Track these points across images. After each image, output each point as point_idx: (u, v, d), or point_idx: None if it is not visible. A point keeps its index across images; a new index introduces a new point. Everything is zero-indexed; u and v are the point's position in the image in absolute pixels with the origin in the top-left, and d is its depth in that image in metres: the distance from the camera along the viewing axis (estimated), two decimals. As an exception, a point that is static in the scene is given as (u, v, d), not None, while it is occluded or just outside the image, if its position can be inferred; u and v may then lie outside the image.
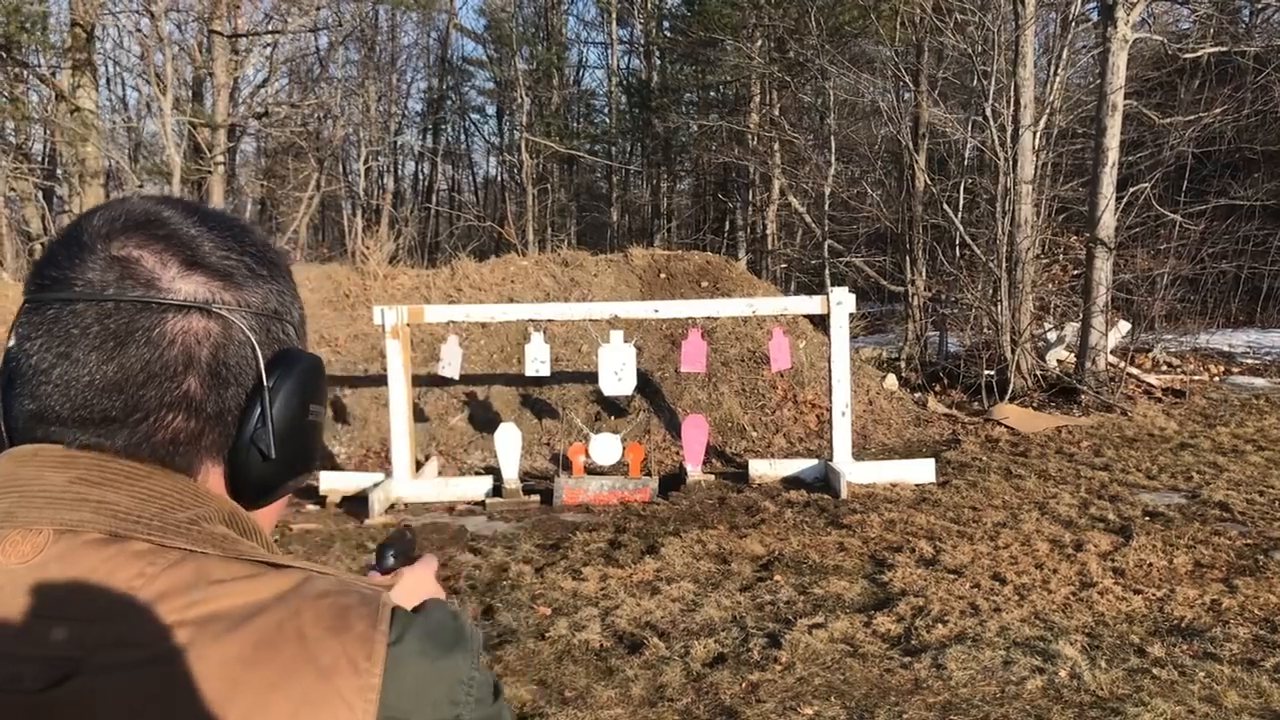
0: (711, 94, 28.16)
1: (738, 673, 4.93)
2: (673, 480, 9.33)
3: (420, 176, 33.67)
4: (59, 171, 18.46)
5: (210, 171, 18.06)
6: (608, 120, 30.72)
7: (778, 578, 6.41)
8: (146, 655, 0.73)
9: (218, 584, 0.76)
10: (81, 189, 15.54)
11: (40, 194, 17.39)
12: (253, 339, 0.85)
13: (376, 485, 8.79)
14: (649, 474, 9.15)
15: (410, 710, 0.79)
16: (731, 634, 5.44)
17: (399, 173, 31.50)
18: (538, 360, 9.22)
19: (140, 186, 17.35)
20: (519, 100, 26.32)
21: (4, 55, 15.89)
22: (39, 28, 15.82)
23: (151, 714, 0.72)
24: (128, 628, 0.74)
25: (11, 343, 0.84)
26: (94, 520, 0.77)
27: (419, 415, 10.50)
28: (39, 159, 19.19)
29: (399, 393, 9.11)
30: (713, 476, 9.44)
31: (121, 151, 18.95)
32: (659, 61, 29.57)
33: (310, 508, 9.01)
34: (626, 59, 32.12)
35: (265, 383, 0.85)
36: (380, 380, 9.80)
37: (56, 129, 16.15)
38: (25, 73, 16.97)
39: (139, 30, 17.04)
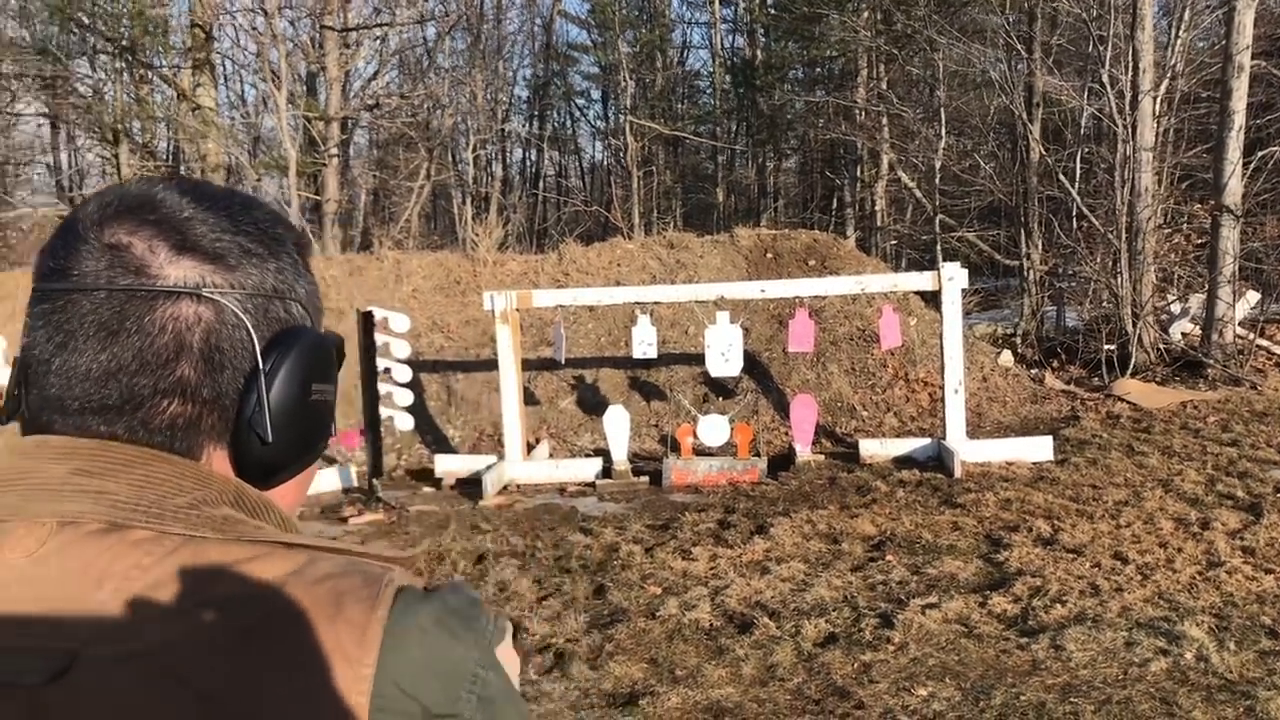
0: (817, 70, 27.79)
1: (850, 653, 4.90)
2: (782, 461, 9.29)
3: (527, 163, 34.02)
4: (182, 168, 19.16)
5: (325, 164, 18.52)
6: (712, 100, 30.56)
7: (890, 558, 6.33)
8: (137, 648, 0.73)
9: (213, 571, 0.75)
10: (204, 185, 16.02)
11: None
12: (247, 321, 0.83)
13: (489, 467, 8.94)
14: (758, 454, 9.12)
15: (410, 690, 0.77)
16: (843, 614, 5.40)
17: (507, 160, 31.85)
18: (644, 343, 9.26)
19: (258, 180, 17.90)
20: (623, 83, 26.37)
21: (130, 58, 16.55)
22: (161, 30, 16.42)
23: (139, 708, 0.71)
24: (122, 620, 0.73)
25: (25, 335, 0.84)
26: (94, 510, 0.77)
27: (530, 398, 10.64)
28: (164, 156, 19.94)
29: (509, 377, 9.24)
30: (822, 456, 9.37)
31: (241, 146, 19.58)
32: (763, 39, 29.27)
33: (427, 490, 9.22)
34: (731, 38, 31.90)
35: (261, 365, 0.83)
36: (491, 365, 9.95)
37: (179, 127, 16.77)
38: (150, 74, 17.63)
39: (254, 29, 17.55)
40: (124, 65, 17.04)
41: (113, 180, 18.55)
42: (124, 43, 16.20)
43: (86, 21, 15.75)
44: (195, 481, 0.81)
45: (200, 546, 0.77)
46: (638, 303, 9.46)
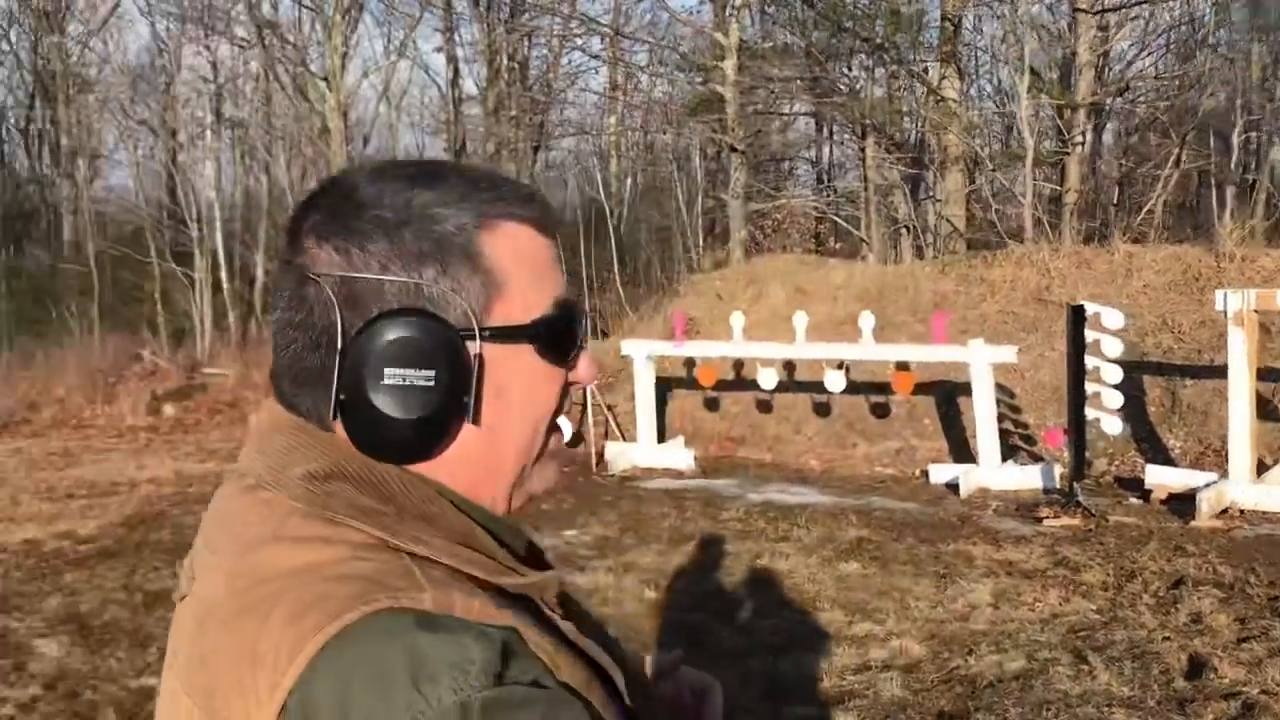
0: None
1: None
2: None
3: (1313, 145, 29.62)
4: (925, 158, 19.78)
5: (1067, 153, 17.93)
6: None
7: None
8: (205, 595, 0.83)
9: (274, 541, 0.80)
10: (941, 175, 16.52)
11: (906, 182, 18.86)
12: (337, 303, 0.83)
13: (1208, 485, 8.06)
14: None
15: None
16: None
17: (1289, 143, 28.03)
18: None
19: (993, 171, 17.89)
20: None
21: (883, 56, 17.52)
22: (914, 27, 17.12)
23: (187, 648, 0.82)
24: (211, 565, 0.84)
25: None
26: (252, 469, 0.87)
27: (1270, 413, 9.35)
28: (910, 148, 20.75)
29: (1240, 385, 8.21)
30: None
31: (989, 137, 19.69)
32: None
33: (1133, 500, 8.61)
34: None
35: (338, 346, 0.83)
36: (1224, 371, 8.89)
37: (923, 119, 17.35)
38: (899, 69, 18.48)
39: (1002, 16, 17.51)
40: (876, 63, 18.08)
41: (858, 172, 19.85)
42: (878, 41, 17.18)
43: (847, 25, 16.97)
44: (320, 451, 0.85)
45: (288, 518, 0.81)
46: None
